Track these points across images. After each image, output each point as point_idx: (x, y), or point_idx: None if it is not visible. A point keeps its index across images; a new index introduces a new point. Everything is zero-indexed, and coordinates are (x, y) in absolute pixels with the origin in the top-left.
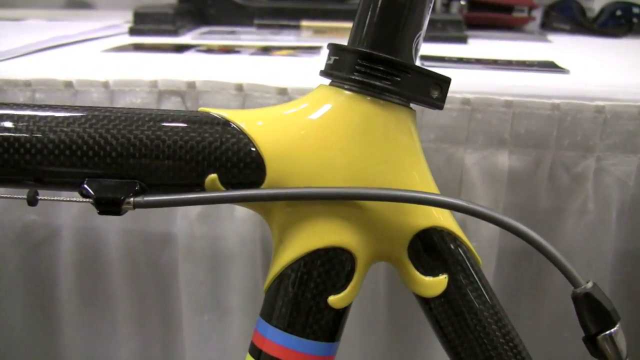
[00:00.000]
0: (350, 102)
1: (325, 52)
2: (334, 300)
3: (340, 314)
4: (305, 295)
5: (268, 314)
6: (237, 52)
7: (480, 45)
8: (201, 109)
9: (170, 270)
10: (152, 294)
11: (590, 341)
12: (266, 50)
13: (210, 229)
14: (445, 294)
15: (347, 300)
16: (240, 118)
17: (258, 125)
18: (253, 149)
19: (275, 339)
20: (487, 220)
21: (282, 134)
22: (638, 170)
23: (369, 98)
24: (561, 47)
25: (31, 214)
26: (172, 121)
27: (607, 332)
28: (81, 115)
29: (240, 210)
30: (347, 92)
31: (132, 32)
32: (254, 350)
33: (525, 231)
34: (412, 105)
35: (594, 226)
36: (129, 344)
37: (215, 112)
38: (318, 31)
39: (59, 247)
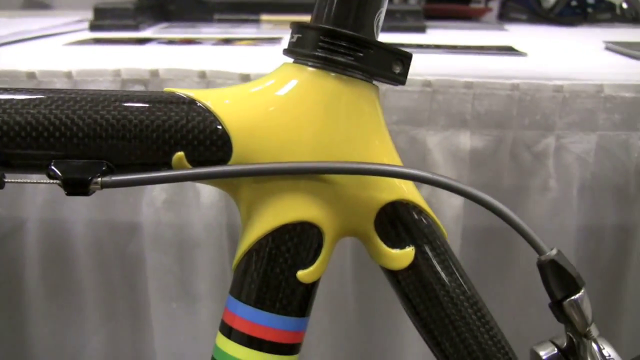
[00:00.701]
0: (314, 78)
1: (285, 42)
2: (303, 275)
3: (309, 289)
4: (274, 271)
5: (237, 291)
6: (199, 43)
7: (438, 34)
8: (166, 89)
9: (137, 259)
10: (119, 284)
11: (557, 307)
12: (227, 42)
13: (176, 216)
14: (412, 266)
15: (316, 275)
16: (206, 97)
17: (224, 103)
18: (219, 127)
19: (246, 315)
20: (452, 191)
21: (248, 111)
22: (597, 148)
23: (332, 74)
24: (518, 34)
25: None
26: (138, 101)
27: (573, 298)
28: (47, 97)
29: (206, 197)
30: (310, 68)
31: (93, 27)
32: (225, 328)
33: (490, 201)
34: (375, 82)
35: (557, 203)
36: (98, 335)
37: (181, 91)
38: (278, 24)
39: (25, 240)
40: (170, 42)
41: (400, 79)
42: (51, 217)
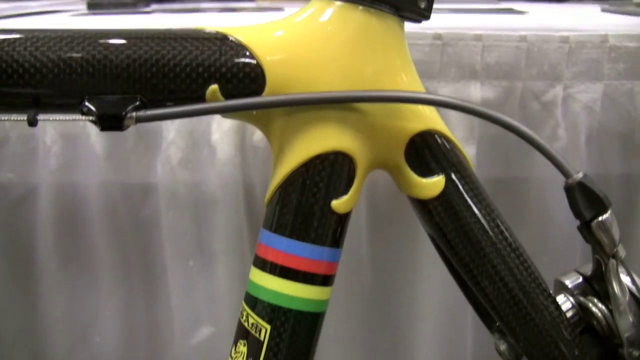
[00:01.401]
0: (343, 11)
1: (287, 12)
2: (337, 204)
3: (342, 219)
4: (309, 201)
5: (271, 223)
6: (204, 11)
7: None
8: (195, 27)
9: (152, 222)
10: (134, 247)
11: (586, 228)
12: (232, 10)
13: (192, 174)
14: (443, 194)
15: (349, 205)
16: (238, 32)
17: (256, 37)
18: (252, 60)
19: (280, 246)
20: (482, 117)
21: (280, 44)
22: (603, 97)
23: (360, 7)
24: (513, 4)
25: (7, 172)
26: (171, 37)
27: (601, 218)
28: (79, 36)
29: (222, 153)
30: (339, 2)
31: (90, 6)
32: (258, 262)
33: (518, 126)
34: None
35: (565, 151)
36: (113, 299)
37: (212, 28)
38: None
39: (37, 205)
40: (174, 11)
41: (425, 13)
42: (64, 182)
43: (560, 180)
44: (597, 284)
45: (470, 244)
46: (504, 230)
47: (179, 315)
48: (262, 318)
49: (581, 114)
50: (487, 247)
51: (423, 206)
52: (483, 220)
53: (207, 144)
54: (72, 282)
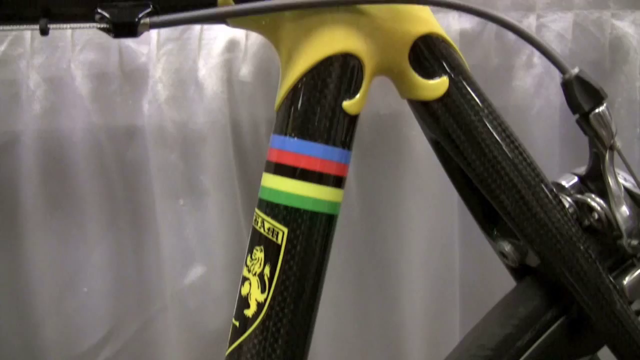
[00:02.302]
0: None
1: None
2: (348, 105)
3: (353, 121)
4: (321, 102)
5: (282, 128)
6: None
7: None
8: None
9: (139, 163)
10: (121, 191)
11: (584, 120)
12: None
13: (179, 112)
14: (447, 94)
15: (359, 106)
16: None
17: None
18: None
19: (294, 148)
20: (482, 17)
21: None
22: (574, 26)
23: None
24: None
25: None
26: None
27: (598, 110)
28: None
29: (209, 89)
30: None
31: None
32: (269, 167)
33: (517, 25)
34: None
35: (541, 78)
36: (100, 246)
37: None
38: None
39: (21, 152)
40: None
41: None
42: (48, 127)
43: (537, 107)
44: (591, 182)
45: (476, 142)
46: (507, 128)
47: (170, 256)
48: (279, 221)
49: (554, 42)
50: (493, 145)
51: (427, 109)
52: (487, 120)
53: (193, 81)
54: (58, 229)
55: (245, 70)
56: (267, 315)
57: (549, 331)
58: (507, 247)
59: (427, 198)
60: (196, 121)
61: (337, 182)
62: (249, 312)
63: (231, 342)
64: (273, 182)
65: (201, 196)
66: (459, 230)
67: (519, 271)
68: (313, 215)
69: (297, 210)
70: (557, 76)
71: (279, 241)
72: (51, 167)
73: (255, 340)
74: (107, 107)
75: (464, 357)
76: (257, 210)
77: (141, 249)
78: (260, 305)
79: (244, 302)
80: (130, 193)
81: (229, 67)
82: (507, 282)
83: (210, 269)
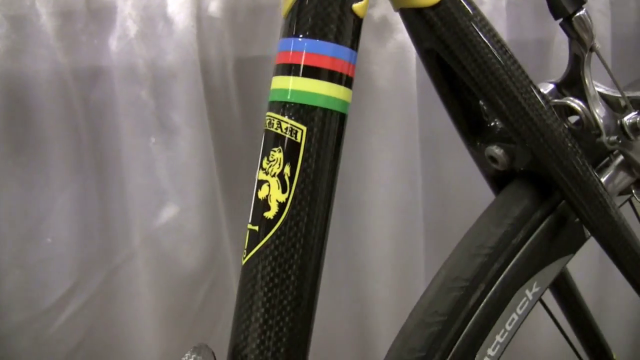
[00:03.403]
0: None
1: None
2: (358, 7)
3: (359, 24)
4: (333, 3)
5: (292, 30)
6: None
7: None
8: None
9: (105, 104)
10: (87, 133)
11: (567, 23)
12: None
13: (149, 47)
14: (442, 1)
15: (365, 9)
16: None
17: None
18: None
19: (302, 47)
20: None
21: None
22: None
23: None
24: None
25: None
26: None
27: (579, 13)
28: None
29: (178, 25)
30: None
31: None
32: (278, 70)
33: None
34: None
35: (490, 15)
36: (65, 193)
37: None
38: None
39: None
40: None
41: None
42: (11, 67)
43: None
44: (567, 89)
45: (471, 46)
46: (496, 34)
47: (141, 197)
48: (296, 120)
49: None
50: (486, 49)
51: (422, 17)
52: (478, 25)
53: (162, 16)
54: (21, 176)
55: (214, 6)
56: (290, 215)
57: (538, 229)
58: (497, 150)
59: (389, 133)
60: (166, 58)
61: (348, 81)
62: (270, 214)
63: (249, 250)
64: (286, 83)
65: (172, 133)
66: (422, 164)
67: (500, 181)
68: (328, 113)
69: (313, 108)
70: (504, 13)
71: (299, 139)
72: (14, 109)
73: (277, 242)
74: (73, 45)
75: (465, 257)
76: (269, 114)
77: (108, 194)
78: (282, 206)
79: (262, 205)
80: (97, 136)
81: (197, 2)
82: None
83: (183, 208)
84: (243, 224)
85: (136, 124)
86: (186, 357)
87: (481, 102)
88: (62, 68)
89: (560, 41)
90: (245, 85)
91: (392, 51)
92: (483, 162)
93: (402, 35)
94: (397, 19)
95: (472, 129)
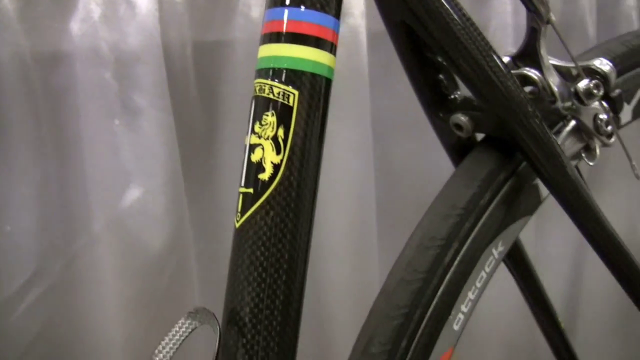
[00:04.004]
0: None
1: None
2: None
3: None
4: None
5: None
6: None
7: None
8: None
9: (67, 87)
10: (48, 117)
11: None
12: None
13: (111, 31)
14: None
15: None
16: None
17: None
18: None
19: (291, 16)
20: None
21: None
22: None
23: None
24: None
25: None
26: None
27: None
28: None
29: (143, 7)
30: None
31: None
32: (264, 39)
33: None
34: None
35: None
36: (25, 180)
37: None
38: None
39: None
40: None
41: None
42: None
43: None
44: (521, 61)
45: (441, 17)
46: (461, 6)
47: (105, 180)
48: (288, 85)
49: None
50: (454, 20)
51: None
52: None
53: (124, 0)
54: None
55: None
56: (284, 176)
57: (502, 191)
58: (462, 117)
59: (342, 116)
60: (129, 41)
61: (333, 48)
62: (265, 176)
63: (244, 212)
64: (276, 50)
65: (136, 116)
66: (374, 146)
67: (461, 151)
68: (317, 78)
69: (303, 73)
70: None
71: (291, 103)
72: None
73: (273, 202)
74: (35, 28)
75: (438, 217)
76: (259, 81)
77: (70, 179)
78: (276, 167)
79: (257, 167)
80: (59, 120)
81: None
82: (420, 195)
83: (148, 189)
84: (203, 208)
85: (99, 107)
86: (179, 324)
87: (441, 76)
88: (23, 51)
89: (496, 27)
90: (204, 69)
91: (344, 35)
92: (446, 132)
93: (353, 20)
94: (349, 3)
95: (436, 101)
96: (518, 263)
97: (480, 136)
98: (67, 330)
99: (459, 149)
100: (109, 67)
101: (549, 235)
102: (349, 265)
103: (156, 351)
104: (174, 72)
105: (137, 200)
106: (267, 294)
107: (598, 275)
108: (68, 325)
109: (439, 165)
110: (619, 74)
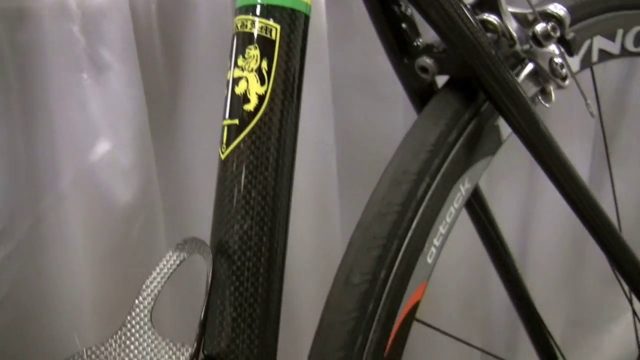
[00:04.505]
0: None
1: None
2: None
3: None
4: None
5: None
6: None
7: None
8: None
9: (34, 43)
10: (14, 74)
11: None
12: None
13: None
14: None
15: None
16: None
17: None
18: None
19: None
20: None
21: None
22: None
23: None
24: None
25: None
26: None
27: None
28: None
29: None
30: None
31: None
32: None
33: None
34: None
35: None
36: None
37: None
38: None
39: None
40: None
41: None
42: None
43: None
44: (480, 9)
45: None
46: None
47: (74, 134)
48: (269, 19)
49: None
50: None
51: None
52: None
53: None
54: None
55: None
56: (269, 106)
57: (467, 130)
58: (427, 60)
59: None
60: None
61: None
62: (250, 107)
63: (229, 143)
64: None
65: (103, 70)
66: (334, 107)
67: (423, 96)
68: (297, 13)
69: (283, 8)
70: None
71: (274, 37)
72: None
73: (259, 132)
74: None
75: (410, 153)
76: (240, 17)
77: (37, 136)
78: (261, 97)
79: (241, 99)
80: (25, 76)
81: None
82: (378, 152)
83: (117, 143)
84: (170, 162)
85: (67, 62)
86: (167, 257)
87: (404, 25)
88: None
89: None
90: (168, 27)
91: None
92: (411, 77)
93: None
94: None
95: (401, 49)
96: (478, 209)
97: (441, 84)
98: (36, 291)
99: (421, 95)
100: (76, 21)
101: (499, 192)
102: (311, 221)
103: (144, 286)
104: (139, 28)
105: (106, 154)
106: (255, 220)
107: (546, 228)
108: (37, 286)
109: (396, 123)
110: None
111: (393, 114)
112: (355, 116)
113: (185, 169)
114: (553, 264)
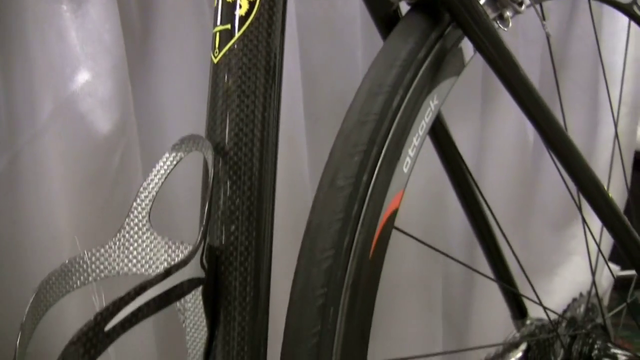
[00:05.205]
0: None
1: None
2: None
3: None
4: None
5: None
6: None
7: None
8: None
9: None
10: None
11: None
12: None
13: None
14: None
15: None
16: None
17: None
18: None
19: None
20: None
21: None
22: None
23: None
24: None
25: None
26: None
27: None
28: None
29: None
30: None
31: None
32: None
33: None
34: None
35: None
36: None
37: None
38: None
39: None
40: None
41: None
42: None
43: None
44: None
45: None
46: None
47: (53, 65)
48: None
49: None
50: None
51: None
52: None
53: None
54: None
55: None
56: (260, 11)
57: (435, 49)
58: None
59: None
60: None
61: None
62: (242, 11)
63: (221, 48)
64: None
65: (82, 1)
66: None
67: (389, 23)
68: None
69: None
70: None
71: None
72: None
73: (250, 35)
74: None
75: (384, 68)
76: None
77: (15, 69)
78: (252, 3)
79: (233, 5)
80: (2, 7)
81: None
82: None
83: (96, 73)
84: (147, 92)
85: None
86: (164, 159)
87: None
88: None
89: None
90: None
91: None
92: (377, 3)
93: None
94: None
95: None
96: (441, 136)
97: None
98: (15, 228)
99: (387, 22)
100: None
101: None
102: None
103: (141, 188)
104: None
105: (86, 84)
106: (248, 119)
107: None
108: (15, 222)
109: (357, 65)
110: None
111: (352, 55)
112: (317, 58)
113: (159, 106)
114: (502, 209)
